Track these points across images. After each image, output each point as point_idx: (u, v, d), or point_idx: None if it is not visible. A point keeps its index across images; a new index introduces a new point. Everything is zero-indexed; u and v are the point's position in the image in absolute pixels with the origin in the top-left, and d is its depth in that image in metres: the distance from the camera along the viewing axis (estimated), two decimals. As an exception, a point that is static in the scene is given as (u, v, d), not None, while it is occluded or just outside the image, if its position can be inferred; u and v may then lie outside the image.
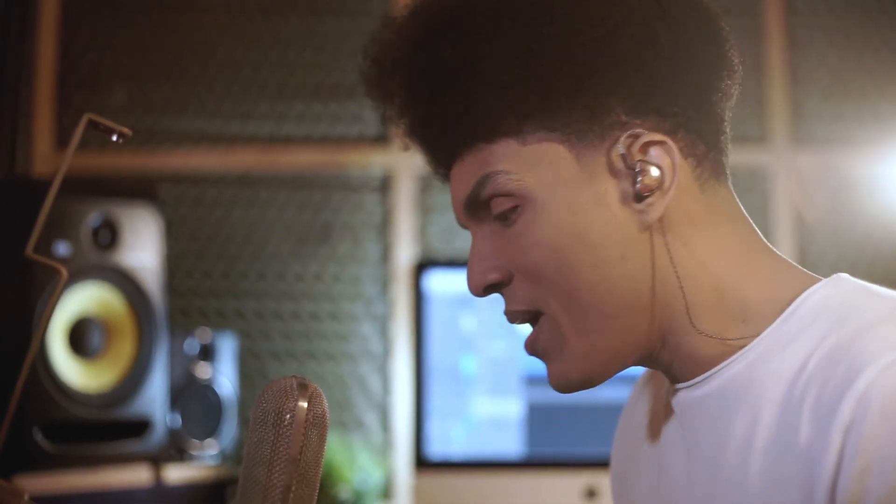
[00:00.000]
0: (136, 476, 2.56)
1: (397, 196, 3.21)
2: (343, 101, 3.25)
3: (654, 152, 0.96)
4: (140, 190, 2.67)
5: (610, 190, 0.97)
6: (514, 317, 1.03)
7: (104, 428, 2.53)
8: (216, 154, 3.24)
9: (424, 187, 3.22)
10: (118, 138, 0.95)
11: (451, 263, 2.98)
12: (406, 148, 1.05)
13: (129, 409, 2.55)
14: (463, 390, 2.84)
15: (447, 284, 2.88)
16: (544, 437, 2.83)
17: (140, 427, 2.58)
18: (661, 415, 1.07)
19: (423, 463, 2.84)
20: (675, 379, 1.02)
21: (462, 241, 3.20)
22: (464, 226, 1.05)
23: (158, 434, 2.61)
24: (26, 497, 0.88)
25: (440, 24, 0.99)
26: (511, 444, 2.83)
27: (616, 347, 0.99)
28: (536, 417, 2.83)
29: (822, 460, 0.87)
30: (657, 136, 0.96)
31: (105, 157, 3.15)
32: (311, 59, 3.26)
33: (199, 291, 3.22)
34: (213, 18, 3.27)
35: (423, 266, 2.91)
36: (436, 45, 0.99)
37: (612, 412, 2.79)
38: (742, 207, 1.03)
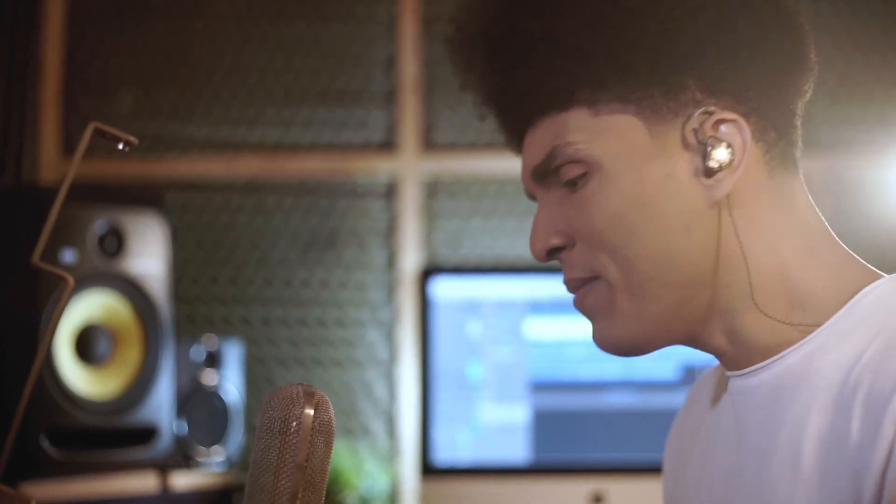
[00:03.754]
0: (143, 483, 2.56)
1: (403, 202, 3.21)
2: (349, 108, 3.26)
3: (726, 130, 0.98)
4: (146, 197, 2.68)
5: (680, 163, 0.99)
6: (573, 284, 1.04)
7: (111, 435, 2.53)
8: (222, 161, 3.24)
9: (430, 194, 3.22)
10: (124, 146, 0.95)
11: (457, 270, 2.98)
12: (481, 118, 1.07)
13: (135, 416, 2.55)
14: (469, 396, 2.84)
15: (453, 291, 2.87)
16: (550, 443, 2.82)
17: (146, 434, 2.58)
18: (717, 401, 1.08)
19: (429, 469, 2.83)
20: (730, 365, 1.03)
21: (468, 247, 3.20)
22: (530, 193, 1.06)
23: (165, 441, 2.61)
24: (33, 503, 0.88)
25: None
26: (517, 450, 2.82)
27: (667, 317, 1.00)
28: (543, 424, 2.82)
29: (873, 451, 0.88)
30: (730, 115, 0.98)
31: (111, 164, 3.16)
32: (318, 65, 3.27)
33: (206, 298, 3.22)
34: (219, 25, 3.27)
35: (429, 272, 2.91)
36: (520, 15, 1.01)
37: (619, 418, 2.79)
38: (811, 200, 1.03)
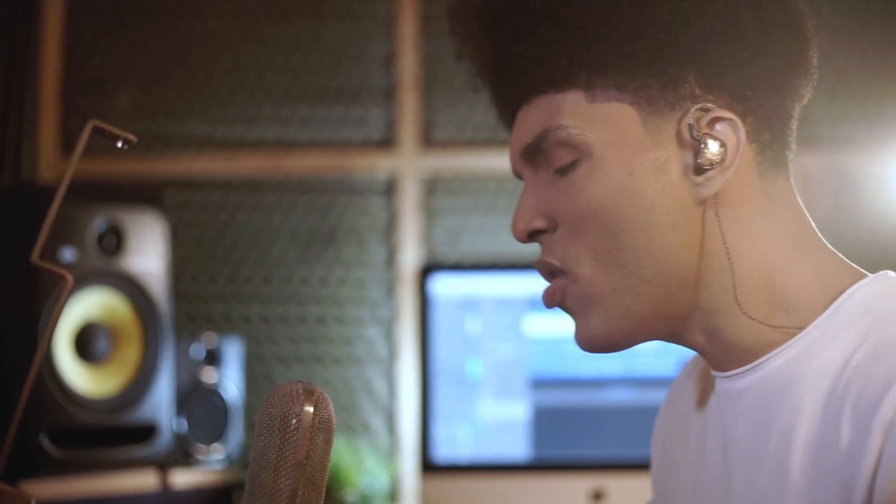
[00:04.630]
0: (143, 481, 2.56)
1: (403, 200, 3.21)
2: (348, 105, 3.26)
3: (721, 128, 0.98)
4: (145, 195, 2.68)
5: (672, 158, 0.98)
6: (543, 267, 1.03)
7: (110, 433, 2.53)
8: (221, 158, 3.24)
9: (430, 191, 3.22)
10: (123, 145, 0.95)
11: (457, 267, 2.98)
12: (475, 89, 1.06)
13: (135, 415, 2.55)
14: (469, 393, 2.84)
15: (453, 288, 2.87)
16: (550, 439, 2.82)
17: (146, 432, 2.58)
18: (704, 402, 1.07)
19: (429, 466, 2.83)
20: (714, 364, 1.03)
21: (467, 244, 3.20)
22: (517, 173, 1.05)
23: (164, 439, 2.61)
24: (33, 502, 0.88)
25: None
26: (517, 447, 2.82)
27: (648, 314, 0.99)
28: (542, 420, 2.82)
29: (862, 458, 0.87)
30: (727, 114, 0.98)
31: (110, 163, 3.16)
32: (316, 63, 3.26)
33: (205, 296, 3.22)
34: (217, 23, 3.27)
35: (428, 269, 2.91)
36: None
37: (618, 414, 2.79)
38: (801, 202, 1.03)
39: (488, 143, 3.18)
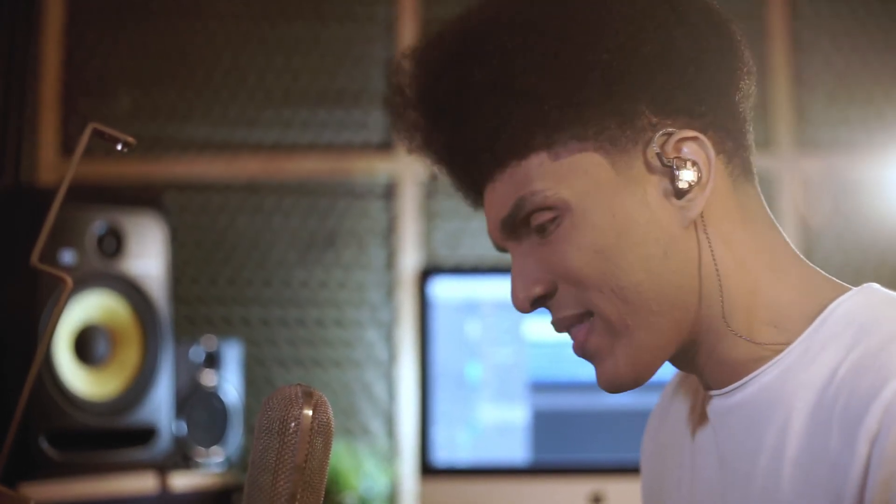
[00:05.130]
0: (142, 484, 2.56)
1: (402, 203, 3.21)
2: (348, 108, 3.26)
3: (688, 149, 0.98)
4: (145, 197, 2.68)
5: (649, 190, 0.98)
6: (563, 324, 1.02)
7: (110, 435, 2.53)
8: (221, 161, 3.24)
9: (429, 194, 3.22)
10: (123, 147, 0.95)
11: (456, 270, 2.98)
12: (434, 177, 1.05)
13: (134, 417, 2.55)
14: (468, 397, 2.84)
15: (452, 291, 2.87)
16: (550, 443, 2.82)
17: (146, 434, 2.58)
18: (696, 419, 1.08)
19: (428, 469, 2.83)
20: (707, 384, 1.03)
21: (467, 247, 3.20)
22: (500, 247, 1.04)
23: (164, 441, 2.61)
24: (32, 505, 0.88)
25: (464, 47, 1.00)
26: (516, 450, 2.82)
27: (663, 344, 1.00)
28: (542, 424, 2.82)
29: (850, 469, 0.88)
30: (689, 133, 0.98)
31: (110, 165, 3.16)
32: (317, 66, 3.27)
33: (205, 299, 3.22)
34: (218, 25, 3.27)
35: (428, 272, 2.91)
36: (462, 67, 0.99)
37: (617, 418, 2.79)
38: (769, 210, 1.03)
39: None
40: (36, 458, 2.40)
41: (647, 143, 0.98)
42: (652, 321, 0.98)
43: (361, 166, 3.23)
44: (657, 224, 0.98)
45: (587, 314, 1.01)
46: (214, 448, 2.83)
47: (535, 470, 2.82)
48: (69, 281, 0.91)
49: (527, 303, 1.02)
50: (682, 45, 0.98)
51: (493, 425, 2.83)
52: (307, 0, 3.28)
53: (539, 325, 2.82)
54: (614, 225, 0.97)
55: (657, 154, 0.97)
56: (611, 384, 1.02)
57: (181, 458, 2.76)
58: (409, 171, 3.20)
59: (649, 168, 0.98)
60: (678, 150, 0.98)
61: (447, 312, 2.86)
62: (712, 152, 0.98)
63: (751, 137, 1.03)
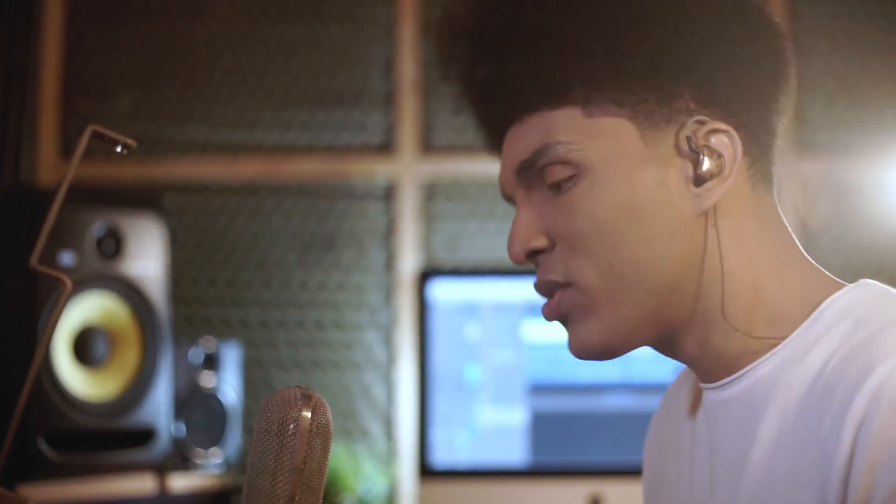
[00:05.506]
0: (141, 485, 2.56)
1: (402, 205, 3.21)
2: (348, 110, 3.26)
3: (718, 140, 0.99)
4: (144, 199, 2.68)
5: (671, 171, 0.99)
6: (545, 286, 1.03)
7: (108, 437, 2.53)
8: (221, 163, 3.24)
9: (429, 196, 3.22)
10: (123, 149, 0.95)
11: (456, 272, 2.98)
12: (458, 111, 1.05)
13: (133, 418, 2.55)
14: (467, 399, 2.84)
15: (451, 293, 2.87)
16: (548, 445, 2.82)
17: (144, 436, 2.58)
18: (695, 413, 1.08)
19: (427, 471, 2.83)
20: (702, 375, 1.04)
21: (466, 249, 3.20)
22: (509, 193, 1.04)
23: (163, 443, 2.61)
24: (30, 506, 0.88)
25: None
26: (515, 452, 2.82)
27: (644, 321, 1.00)
28: (540, 426, 2.82)
29: (836, 455, 0.88)
30: (723, 126, 0.99)
31: (109, 166, 3.16)
32: (316, 67, 3.27)
33: (204, 300, 3.22)
34: (218, 26, 3.27)
35: (427, 275, 2.91)
36: (521, 6, 1.00)
37: (616, 420, 2.79)
38: (784, 217, 1.04)
39: (488, 148, 3.18)
40: (35, 458, 2.40)
41: (681, 126, 0.98)
42: (642, 299, 0.99)
43: (361, 168, 3.23)
44: (671, 206, 0.98)
45: (567, 284, 1.01)
46: (213, 449, 2.83)
47: (534, 472, 2.82)
48: (68, 282, 0.91)
49: (522, 254, 1.02)
50: (737, 42, 0.99)
51: (492, 427, 2.83)
52: (307, 1, 3.28)
53: (538, 328, 2.82)
54: (630, 198, 0.98)
55: (687, 138, 0.98)
56: (581, 351, 1.02)
57: (180, 459, 2.76)
58: (409, 173, 3.21)
59: (678, 150, 0.99)
60: (708, 139, 0.99)
61: (446, 314, 2.86)
62: (740, 149, 0.99)
63: (777, 151, 1.04)
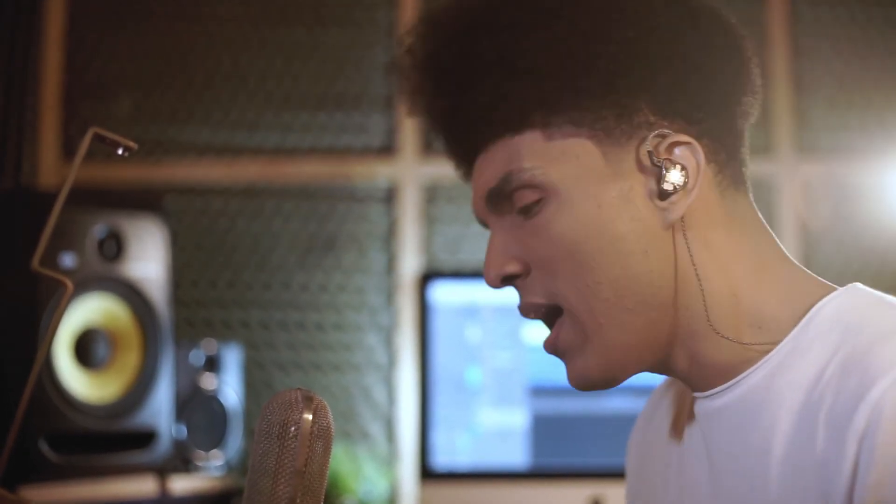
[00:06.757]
0: (142, 487, 2.56)
1: (403, 207, 3.21)
2: (348, 112, 3.26)
3: (680, 152, 0.99)
4: (145, 201, 2.68)
5: (635, 186, 0.99)
6: (529, 309, 1.03)
7: (109, 439, 2.53)
8: (222, 165, 3.24)
9: (430, 198, 3.22)
10: (124, 152, 0.95)
11: (457, 274, 2.98)
12: (431, 141, 1.06)
13: (134, 420, 2.55)
14: (468, 401, 2.84)
15: (452, 295, 2.87)
16: (549, 447, 2.82)
17: (145, 438, 2.58)
18: (683, 422, 1.08)
19: (428, 473, 2.83)
20: (694, 387, 1.03)
21: (467, 252, 3.20)
22: (482, 220, 1.06)
23: (164, 445, 2.61)
24: (32, 509, 0.88)
25: (476, 17, 1.02)
26: (516, 454, 2.82)
27: (635, 344, 1.00)
28: (541, 428, 2.82)
29: (839, 469, 0.88)
30: (684, 137, 0.98)
31: (110, 169, 3.16)
32: (317, 70, 3.27)
33: (205, 302, 3.22)
34: (218, 28, 3.27)
35: (428, 277, 2.91)
36: (473, 36, 1.01)
37: (617, 422, 2.79)
38: (762, 217, 1.04)
39: (488, 150, 3.18)
40: (36, 461, 2.40)
41: (642, 141, 0.98)
42: (626, 319, 0.99)
43: (362, 170, 3.23)
44: (640, 221, 0.98)
45: (555, 309, 1.01)
46: (214, 452, 2.83)
47: (534, 474, 2.82)
48: (70, 284, 0.91)
49: (498, 279, 1.03)
50: (691, 51, 0.99)
51: (493, 429, 2.83)
52: (307, 4, 3.28)
53: (539, 330, 2.82)
54: (597, 216, 0.98)
55: (649, 153, 0.98)
56: (580, 383, 1.03)
57: (181, 461, 2.76)
58: (410, 175, 3.21)
59: (639, 165, 0.99)
60: (670, 152, 0.98)
61: (447, 316, 2.86)
62: (703, 159, 0.99)
63: (745, 152, 1.04)
